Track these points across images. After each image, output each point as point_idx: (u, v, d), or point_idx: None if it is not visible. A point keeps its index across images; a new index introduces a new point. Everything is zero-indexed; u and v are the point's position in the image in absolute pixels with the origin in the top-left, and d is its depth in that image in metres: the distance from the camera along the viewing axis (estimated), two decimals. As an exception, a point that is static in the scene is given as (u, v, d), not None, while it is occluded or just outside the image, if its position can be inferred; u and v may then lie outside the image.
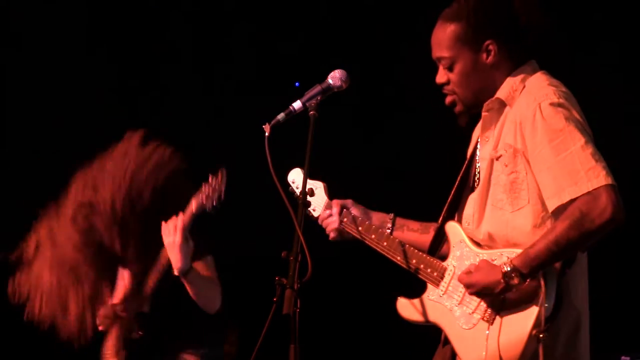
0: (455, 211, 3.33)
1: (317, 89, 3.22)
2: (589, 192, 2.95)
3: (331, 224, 3.50)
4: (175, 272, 4.07)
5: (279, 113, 3.20)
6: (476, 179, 3.26)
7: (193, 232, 4.12)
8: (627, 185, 6.19)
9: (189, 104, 6.75)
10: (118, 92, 6.54)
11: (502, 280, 2.99)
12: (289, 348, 2.88)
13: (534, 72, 3.21)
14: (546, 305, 2.99)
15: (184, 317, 4.26)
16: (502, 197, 3.14)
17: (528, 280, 2.98)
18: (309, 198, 3.41)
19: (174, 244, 4.05)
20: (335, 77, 3.25)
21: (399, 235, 3.44)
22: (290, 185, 3.63)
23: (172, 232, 4.06)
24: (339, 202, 3.50)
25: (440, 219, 3.35)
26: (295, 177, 3.63)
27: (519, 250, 3.03)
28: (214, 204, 4.04)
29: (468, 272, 3.10)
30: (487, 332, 3.06)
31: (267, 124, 3.18)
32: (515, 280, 2.98)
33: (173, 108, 6.74)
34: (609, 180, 2.97)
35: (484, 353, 3.05)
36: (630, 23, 5.91)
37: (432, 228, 3.45)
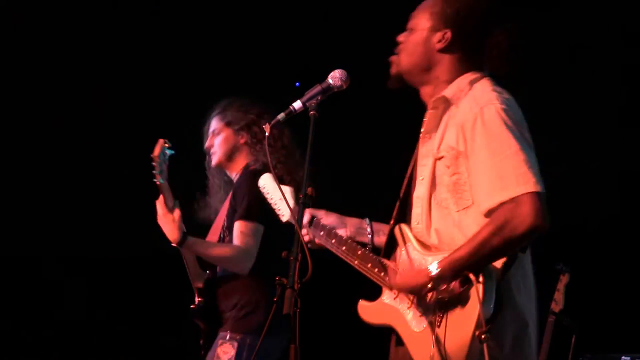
0: (405, 211, 3.33)
1: (317, 88, 3.22)
2: (515, 198, 2.99)
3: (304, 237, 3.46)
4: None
5: (279, 113, 3.20)
6: (420, 177, 3.26)
7: (243, 196, 4.42)
8: (627, 185, 6.21)
9: (188, 104, 6.75)
10: (117, 96, 6.55)
11: (429, 284, 3.05)
12: (289, 348, 2.88)
13: (481, 77, 3.25)
14: (487, 306, 3.01)
15: (226, 298, 4.47)
16: (446, 196, 3.16)
17: (454, 282, 3.03)
18: (280, 204, 3.55)
19: (159, 218, 4.33)
20: (335, 77, 3.25)
21: (376, 240, 3.45)
22: (261, 191, 3.66)
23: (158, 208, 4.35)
24: (310, 211, 3.46)
25: (392, 220, 3.35)
26: (266, 182, 3.65)
27: None
28: (162, 175, 4.34)
29: (395, 274, 3.15)
30: (433, 335, 3.08)
31: (267, 123, 3.18)
32: (441, 284, 3.03)
33: (172, 108, 6.74)
34: (537, 188, 3.00)
35: (430, 355, 3.07)
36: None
37: None
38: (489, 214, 3.05)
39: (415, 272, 3.10)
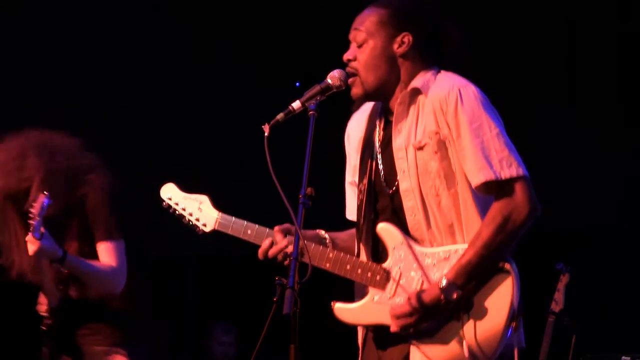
0: (374, 210, 3.30)
1: (316, 88, 3.21)
2: (504, 189, 3.09)
3: (284, 253, 3.29)
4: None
5: (278, 113, 3.19)
6: (401, 170, 3.23)
7: (104, 214, 4.27)
8: (628, 186, 6.20)
9: (188, 104, 6.75)
10: (119, 89, 6.55)
11: (442, 296, 3.06)
12: (289, 348, 2.88)
13: (439, 70, 3.29)
14: (518, 296, 3.09)
15: (88, 314, 4.37)
16: (434, 183, 3.18)
17: (466, 287, 3.07)
18: (198, 214, 3.45)
19: (33, 250, 4.11)
20: (334, 77, 3.23)
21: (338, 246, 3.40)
22: (164, 201, 3.53)
23: None
24: (280, 228, 3.33)
25: (362, 221, 3.32)
26: (171, 193, 3.52)
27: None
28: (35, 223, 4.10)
29: (404, 304, 3.12)
30: (460, 328, 3.09)
31: (266, 124, 3.17)
32: (455, 295, 3.06)
33: (172, 109, 6.74)
34: (521, 172, 3.11)
35: (463, 348, 3.08)
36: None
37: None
38: (477, 189, 3.13)
39: (425, 290, 3.11)
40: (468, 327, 3.09)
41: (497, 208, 3.10)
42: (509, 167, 3.10)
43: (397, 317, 3.13)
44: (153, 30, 6.56)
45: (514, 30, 6.22)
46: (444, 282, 3.07)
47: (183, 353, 7.12)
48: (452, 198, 3.17)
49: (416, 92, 3.23)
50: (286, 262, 3.26)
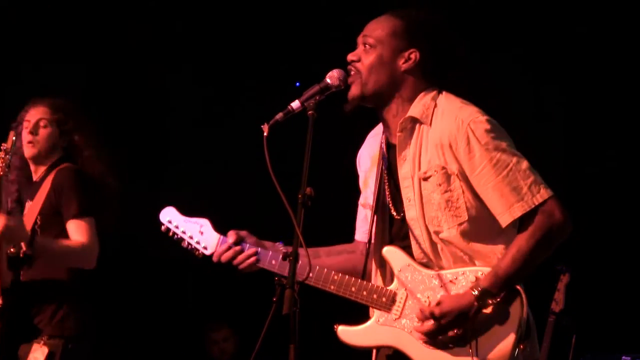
0: (389, 235, 3.31)
1: (315, 88, 3.20)
2: (540, 209, 3.11)
3: (240, 259, 3.36)
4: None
5: (278, 113, 3.19)
6: (407, 199, 3.24)
7: (69, 193, 4.35)
8: (628, 186, 6.20)
9: (187, 104, 6.75)
10: (119, 89, 6.56)
11: (475, 304, 3.08)
12: (289, 348, 2.88)
13: (439, 93, 3.27)
14: (528, 317, 3.12)
15: (39, 302, 4.37)
16: (436, 214, 3.19)
17: (499, 297, 3.10)
18: (199, 237, 3.43)
19: (6, 226, 4.18)
20: (333, 77, 3.23)
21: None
22: (164, 225, 3.50)
23: None
24: (234, 233, 3.38)
25: (372, 243, 3.33)
26: (171, 216, 3.50)
27: (482, 269, 3.13)
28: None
29: (438, 303, 3.13)
30: (469, 349, 3.11)
31: (265, 124, 3.16)
32: (489, 301, 3.08)
33: (172, 109, 6.74)
34: (549, 192, 3.14)
35: None
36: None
37: (330, 252, 3.46)
38: (511, 225, 3.13)
39: (457, 296, 3.12)
40: (477, 346, 3.10)
41: (535, 226, 3.12)
42: (539, 192, 3.12)
43: (425, 317, 3.13)
44: (153, 30, 6.56)
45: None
46: (478, 290, 3.08)
47: (183, 353, 7.12)
48: (451, 232, 3.17)
49: (415, 120, 3.23)
50: (276, 264, 3.30)
